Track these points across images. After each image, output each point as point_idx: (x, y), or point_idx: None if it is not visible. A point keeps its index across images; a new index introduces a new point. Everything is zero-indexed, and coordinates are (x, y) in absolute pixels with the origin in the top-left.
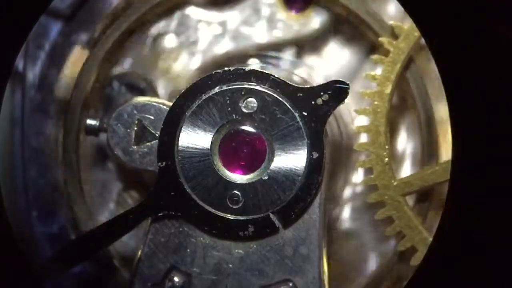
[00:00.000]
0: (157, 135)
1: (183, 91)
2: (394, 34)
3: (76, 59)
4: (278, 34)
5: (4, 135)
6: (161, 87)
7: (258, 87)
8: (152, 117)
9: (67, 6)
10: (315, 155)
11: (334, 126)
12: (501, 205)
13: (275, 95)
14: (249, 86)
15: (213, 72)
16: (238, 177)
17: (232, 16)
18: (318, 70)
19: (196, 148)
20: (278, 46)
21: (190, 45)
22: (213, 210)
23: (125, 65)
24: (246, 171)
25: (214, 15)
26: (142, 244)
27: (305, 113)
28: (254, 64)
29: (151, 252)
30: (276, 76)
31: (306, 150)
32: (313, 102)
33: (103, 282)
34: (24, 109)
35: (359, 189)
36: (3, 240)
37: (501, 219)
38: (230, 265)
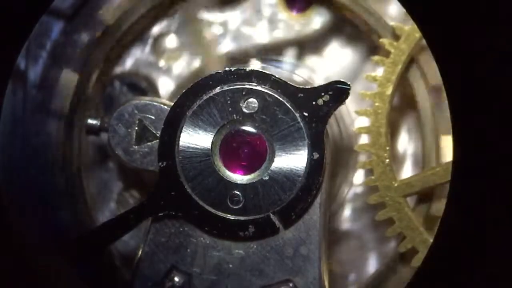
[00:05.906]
0: (158, 135)
1: (184, 91)
2: (395, 35)
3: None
4: (279, 34)
5: (5, 134)
6: (162, 87)
7: (259, 88)
8: (153, 117)
9: (69, 6)
10: (316, 155)
11: (334, 126)
12: (501, 206)
13: (276, 96)
14: (250, 86)
15: (214, 72)
16: (239, 178)
17: (233, 17)
18: (319, 70)
19: (197, 148)
20: (279, 47)
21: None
22: (213, 210)
23: (126, 64)
24: (246, 172)
25: (215, 15)
26: (142, 244)
27: (306, 114)
28: (255, 64)
29: (151, 252)
30: (277, 76)
31: (306, 151)
32: (314, 103)
33: (103, 282)
34: (26, 108)
35: (359, 190)
36: (3, 240)
37: (501, 219)
38: (231, 265)
